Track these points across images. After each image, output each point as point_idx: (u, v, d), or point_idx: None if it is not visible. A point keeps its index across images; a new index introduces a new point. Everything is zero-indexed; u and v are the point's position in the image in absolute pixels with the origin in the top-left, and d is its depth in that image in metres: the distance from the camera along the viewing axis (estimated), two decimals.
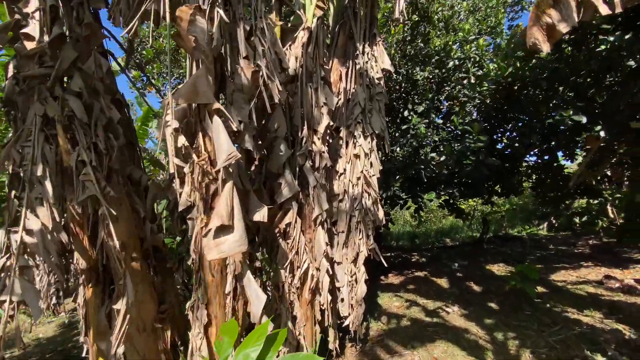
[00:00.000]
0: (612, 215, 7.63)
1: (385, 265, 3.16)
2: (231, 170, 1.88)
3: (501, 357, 2.89)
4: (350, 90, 3.40)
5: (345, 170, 3.26)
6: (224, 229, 1.64)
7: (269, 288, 2.82)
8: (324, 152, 2.83)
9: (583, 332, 2.87)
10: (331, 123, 2.91)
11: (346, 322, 3.06)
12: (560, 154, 5.65)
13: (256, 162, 2.57)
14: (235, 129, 1.80)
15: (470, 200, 11.80)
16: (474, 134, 5.01)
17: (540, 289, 4.11)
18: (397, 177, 5.51)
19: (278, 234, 2.60)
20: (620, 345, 2.43)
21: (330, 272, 2.80)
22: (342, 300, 3.12)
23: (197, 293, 2.00)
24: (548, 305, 3.82)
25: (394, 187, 5.83)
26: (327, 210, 2.84)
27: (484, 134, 4.97)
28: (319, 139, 2.80)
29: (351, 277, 3.14)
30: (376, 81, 3.33)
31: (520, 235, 9.08)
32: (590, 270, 4.74)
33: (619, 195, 5.35)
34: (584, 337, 2.79)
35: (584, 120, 4.06)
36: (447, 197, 6.89)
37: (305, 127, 2.73)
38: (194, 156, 1.85)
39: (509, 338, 3.16)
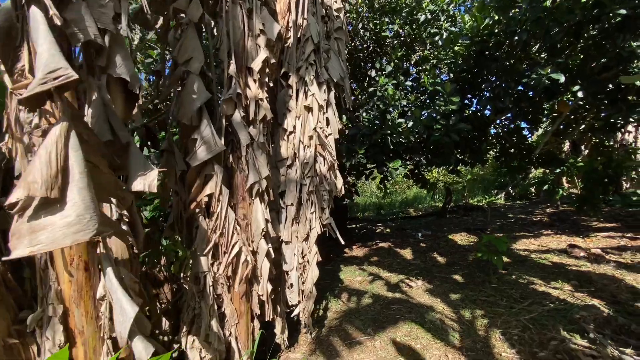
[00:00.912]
0: (566, 185, 7.85)
1: (343, 243, 2.65)
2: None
3: (469, 340, 2.58)
4: (302, 25, 2.65)
5: (295, 127, 2.59)
6: (48, 205, 0.94)
7: (183, 281, 2.18)
8: (262, 99, 2.11)
9: (556, 307, 2.63)
10: (272, 60, 2.18)
11: (295, 312, 2.55)
12: (524, 124, 5.43)
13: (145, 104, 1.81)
14: (65, 31, 1.02)
15: (433, 171, 11.87)
16: (445, 94, 4.52)
17: (504, 258, 3.92)
18: (362, 142, 4.97)
19: (198, 210, 1.92)
20: (600, 324, 2.18)
21: (273, 256, 2.21)
22: (291, 285, 2.59)
23: (44, 302, 1.30)
24: (514, 276, 3.62)
25: (358, 155, 5.31)
26: (268, 178, 2.20)
27: (456, 95, 4.50)
28: (254, 80, 2.07)
29: (302, 258, 2.60)
30: (335, 13, 2.60)
31: (481, 204, 9.19)
32: (552, 239, 4.67)
33: (580, 164, 5.28)
34: (558, 313, 2.53)
35: (562, 79, 3.70)
36: (413, 167, 6.58)
37: (234, 62, 1.97)
38: (7, 81, 1.08)
39: (476, 316, 2.87)
